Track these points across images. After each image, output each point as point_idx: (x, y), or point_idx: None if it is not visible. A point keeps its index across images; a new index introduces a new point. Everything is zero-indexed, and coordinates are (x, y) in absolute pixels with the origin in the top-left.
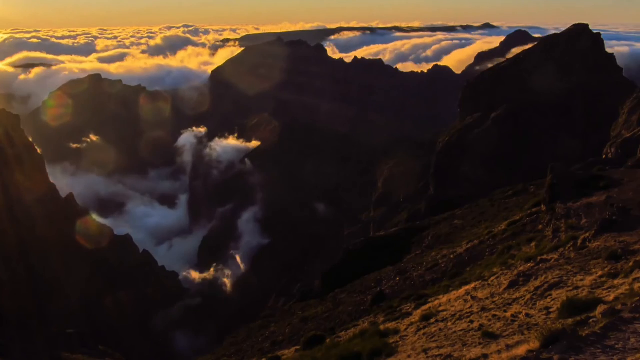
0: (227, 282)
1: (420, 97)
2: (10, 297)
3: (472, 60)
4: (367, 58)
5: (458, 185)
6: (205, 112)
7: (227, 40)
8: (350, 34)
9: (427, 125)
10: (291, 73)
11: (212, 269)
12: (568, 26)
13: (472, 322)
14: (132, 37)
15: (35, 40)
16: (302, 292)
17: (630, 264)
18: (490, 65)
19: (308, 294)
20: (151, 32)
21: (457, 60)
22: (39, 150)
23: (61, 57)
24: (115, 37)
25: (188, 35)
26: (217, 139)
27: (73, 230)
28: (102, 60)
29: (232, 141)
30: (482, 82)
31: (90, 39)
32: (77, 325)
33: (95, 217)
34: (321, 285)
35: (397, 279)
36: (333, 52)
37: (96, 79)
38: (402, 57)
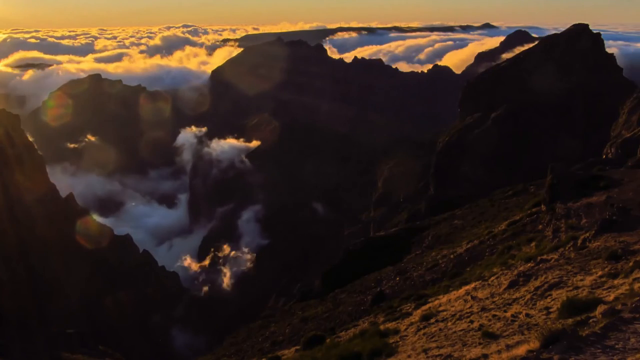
0: (227, 282)
1: (420, 97)
2: (10, 297)
3: (472, 60)
4: (366, 58)
5: (458, 185)
6: (205, 112)
7: (227, 41)
8: (350, 34)
9: (427, 125)
10: (291, 73)
11: (212, 269)
12: (568, 26)
13: (472, 322)
14: (131, 37)
15: (34, 40)
16: (302, 292)
17: (630, 264)
18: (490, 65)
19: (308, 294)
20: (151, 32)
21: (457, 60)
22: (39, 151)
23: (61, 57)
24: (115, 37)
25: (187, 36)
26: (217, 138)
27: (73, 230)
28: (101, 60)
29: (232, 141)
30: (482, 82)
31: (90, 39)
32: (77, 325)
33: (95, 217)
34: (321, 285)
35: (397, 279)
36: (331, 52)
37: (96, 79)
38: (402, 57)
